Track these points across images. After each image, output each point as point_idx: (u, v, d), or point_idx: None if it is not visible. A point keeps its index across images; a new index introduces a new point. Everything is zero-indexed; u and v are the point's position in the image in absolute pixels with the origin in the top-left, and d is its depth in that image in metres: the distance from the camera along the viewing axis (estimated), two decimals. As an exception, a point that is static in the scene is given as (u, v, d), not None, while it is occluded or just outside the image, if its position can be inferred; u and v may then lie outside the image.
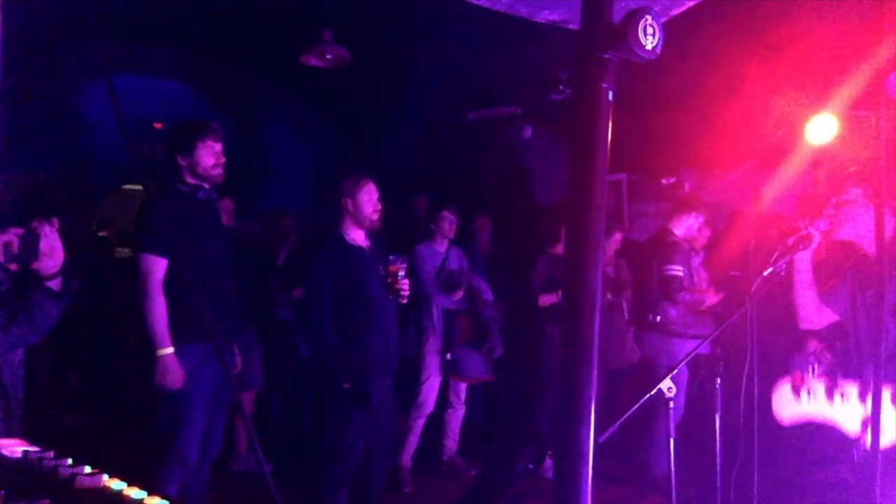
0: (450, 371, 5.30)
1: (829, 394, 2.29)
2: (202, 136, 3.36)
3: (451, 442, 5.51)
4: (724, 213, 5.68)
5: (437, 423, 5.44)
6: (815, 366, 2.42)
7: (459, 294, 5.24)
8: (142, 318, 3.23)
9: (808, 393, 2.28)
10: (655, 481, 4.84)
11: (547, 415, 5.36)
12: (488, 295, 5.46)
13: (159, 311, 3.21)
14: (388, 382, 3.88)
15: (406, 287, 3.84)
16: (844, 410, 2.30)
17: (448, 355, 5.25)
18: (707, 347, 3.02)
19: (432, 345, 5.25)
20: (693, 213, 5.09)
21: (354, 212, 3.77)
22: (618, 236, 5.86)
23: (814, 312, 2.92)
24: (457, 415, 5.51)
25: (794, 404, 2.30)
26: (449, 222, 5.28)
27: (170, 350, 3.20)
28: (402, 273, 3.82)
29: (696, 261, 5.14)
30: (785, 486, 4.15)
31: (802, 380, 2.29)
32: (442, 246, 5.33)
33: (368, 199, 3.78)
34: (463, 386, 5.51)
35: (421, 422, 5.21)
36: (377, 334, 3.75)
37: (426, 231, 5.42)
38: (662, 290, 4.95)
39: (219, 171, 3.41)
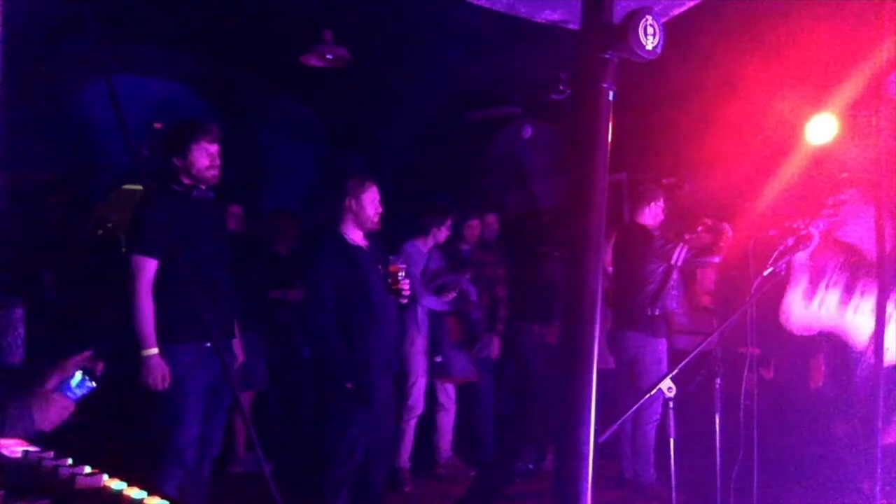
0: (435, 372, 5.28)
1: (843, 304, 2.22)
2: (196, 137, 3.35)
3: (446, 443, 5.49)
4: (725, 213, 5.66)
5: (430, 425, 5.42)
6: (834, 275, 2.30)
7: (452, 296, 5.21)
8: (129, 318, 3.24)
9: (821, 302, 2.22)
10: (643, 489, 4.83)
11: (544, 414, 5.34)
12: (475, 296, 5.42)
13: (146, 311, 3.22)
14: (388, 382, 3.89)
15: (407, 287, 3.86)
16: (856, 322, 2.22)
17: (438, 357, 5.23)
18: (707, 346, 3.01)
19: (418, 346, 5.22)
20: (652, 202, 5.08)
21: (357, 212, 3.78)
22: None
23: (803, 318, 2.91)
24: (448, 416, 5.49)
25: (804, 311, 2.23)
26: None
27: (154, 351, 3.21)
28: (402, 273, 3.84)
29: (715, 259, 5.15)
30: (785, 486, 4.14)
31: (815, 287, 2.22)
32: (426, 246, 5.30)
33: (371, 200, 3.79)
34: (451, 386, 5.49)
35: (413, 422, 5.20)
36: (379, 334, 3.76)
37: (424, 231, 5.37)
38: (656, 289, 4.93)
39: (213, 172, 3.39)
